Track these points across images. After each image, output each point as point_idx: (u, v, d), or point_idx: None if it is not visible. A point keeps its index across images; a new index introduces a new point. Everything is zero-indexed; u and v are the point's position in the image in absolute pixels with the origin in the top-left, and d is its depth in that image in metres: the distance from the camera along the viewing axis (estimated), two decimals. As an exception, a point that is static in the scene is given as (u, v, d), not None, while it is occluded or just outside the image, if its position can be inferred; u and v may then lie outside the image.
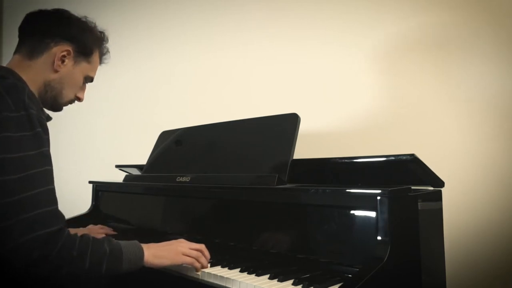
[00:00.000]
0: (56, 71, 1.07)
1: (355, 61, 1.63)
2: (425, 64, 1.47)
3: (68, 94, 1.12)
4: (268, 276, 0.95)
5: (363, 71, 1.61)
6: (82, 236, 0.91)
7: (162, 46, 2.39)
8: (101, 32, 1.18)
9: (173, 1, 2.35)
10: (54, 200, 0.87)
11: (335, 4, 1.70)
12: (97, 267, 0.89)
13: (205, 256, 1.05)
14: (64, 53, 1.07)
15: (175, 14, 2.34)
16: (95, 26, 1.16)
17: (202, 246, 1.07)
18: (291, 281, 0.91)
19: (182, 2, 2.30)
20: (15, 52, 1.08)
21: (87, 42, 1.11)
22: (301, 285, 0.88)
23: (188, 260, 1.02)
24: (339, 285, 0.86)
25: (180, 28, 2.30)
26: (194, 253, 1.04)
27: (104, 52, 1.21)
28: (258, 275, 0.97)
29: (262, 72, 1.92)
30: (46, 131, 0.91)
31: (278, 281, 0.92)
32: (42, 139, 0.89)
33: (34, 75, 1.05)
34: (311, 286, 0.87)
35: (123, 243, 0.97)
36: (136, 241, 1.01)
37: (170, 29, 2.35)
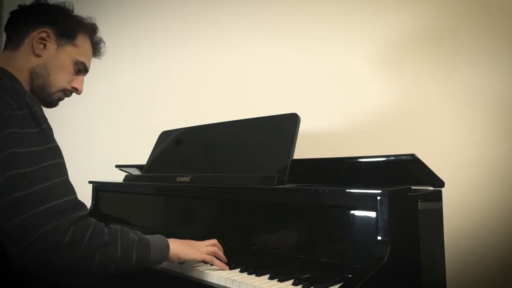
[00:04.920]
0: (38, 56, 1.05)
1: (355, 61, 1.63)
2: (425, 64, 1.47)
3: (57, 81, 1.08)
4: (268, 276, 0.95)
5: (363, 70, 1.61)
6: (109, 226, 0.91)
7: (162, 47, 2.40)
8: (88, 20, 1.16)
9: (172, 2, 2.35)
10: (72, 190, 0.87)
11: (334, 3, 1.70)
12: (128, 255, 0.89)
13: (221, 250, 1.09)
14: (43, 35, 1.05)
15: (174, 15, 2.34)
16: (79, 14, 1.15)
17: (214, 241, 1.10)
18: (291, 281, 0.91)
19: (180, 2, 2.30)
20: (3, 50, 1.08)
21: (67, 24, 1.09)
22: (301, 285, 0.88)
23: (208, 257, 1.04)
24: (339, 285, 0.86)
25: (179, 28, 2.30)
26: (212, 249, 1.06)
27: (97, 42, 1.18)
28: (258, 275, 0.97)
29: (261, 72, 1.92)
30: (50, 128, 0.92)
31: (278, 281, 0.92)
32: (49, 135, 0.89)
33: (20, 65, 1.04)
34: (311, 286, 0.87)
35: (148, 235, 0.98)
36: (159, 234, 1.02)
37: (169, 30, 2.36)
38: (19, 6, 1.12)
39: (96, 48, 1.18)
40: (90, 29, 1.16)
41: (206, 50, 2.16)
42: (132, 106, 2.56)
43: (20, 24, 1.07)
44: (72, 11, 1.14)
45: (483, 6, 1.37)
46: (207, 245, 1.07)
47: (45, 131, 0.88)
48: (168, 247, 0.99)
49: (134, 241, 0.91)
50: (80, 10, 1.17)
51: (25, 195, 0.79)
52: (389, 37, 1.55)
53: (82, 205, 0.87)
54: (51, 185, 0.82)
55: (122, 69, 2.60)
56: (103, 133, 2.73)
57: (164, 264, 1.12)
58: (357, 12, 1.63)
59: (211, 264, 1.06)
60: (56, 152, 0.89)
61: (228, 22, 2.07)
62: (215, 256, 1.06)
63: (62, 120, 2.79)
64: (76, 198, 0.87)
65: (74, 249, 0.80)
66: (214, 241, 1.10)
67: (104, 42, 1.20)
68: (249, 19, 1.99)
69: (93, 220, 0.87)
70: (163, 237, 1.01)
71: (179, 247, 1.02)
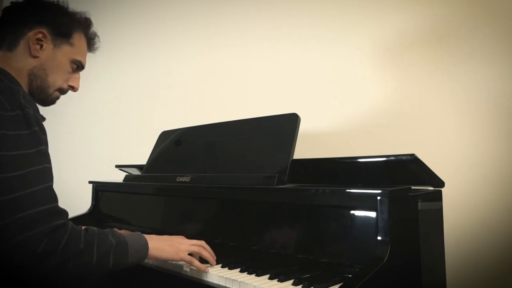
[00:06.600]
0: (35, 57, 1.03)
1: (355, 60, 1.63)
2: (425, 64, 1.47)
3: (54, 81, 1.07)
4: (268, 276, 0.95)
5: (363, 70, 1.61)
6: (87, 229, 0.90)
7: (162, 47, 2.40)
8: (82, 15, 1.14)
9: (172, 2, 2.35)
10: (53, 198, 0.86)
11: (334, 3, 1.70)
12: (105, 260, 0.88)
13: (207, 251, 1.06)
14: (39, 35, 1.03)
15: (174, 15, 2.34)
16: (72, 9, 1.12)
17: (202, 242, 1.08)
18: (291, 281, 0.91)
19: (180, 2, 2.30)
20: None
21: (63, 23, 1.07)
22: (301, 285, 0.88)
23: (187, 258, 1.03)
24: (339, 285, 0.86)
25: (179, 28, 2.30)
26: (195, 248, 1.05)
27: (92, 37, 1.16)
28: (258, 275, 0.97)
29: (261, 72, 1.92)
30: (43, 131, 0.90)
31: (278, 281, 0.92)
32: (39, 138, 0.88)
33: (17, 66, 1.02)
34: (311, 286, 0.87)
35: (127, 235, 0.97)
36: (139, 232, 1.01)
37: (169, 30, 2.36)
38: (12, 2, 1.08)
39: (90, 44, 1.16)
40: (85, 25, 1.14)
41: (206, 50, 2.16)
42: (132, 106, 2.56)
43: (15, 23, 1.05)
44: (67, 8, 1.12)
45: (483, 6, 1.37)
46: (192, 245, 1.05)
47: (36, 134, 0.87)
48: (146, 247, 0.98)
49: (111, 245, 0.91)
50: (79, 10, 1.16)
51: (5, 200, 0.79)
52: (389, 37, 1.55)
53: (61, 212, 0.86)
54: (32, 192, 0.82)
55: (122, 69, 2.60)
56: (103, 133, 2.73)
57: (163, 263, 1.12)
58: (357, 12, 1.63)
59: (210, 264, 1.06)
60: (43, 157, 0.88)
61: (228, 22, 2.07)
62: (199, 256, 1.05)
63: (62, 120, 2.79)
64: (56, 206, 0.86)
65: (47, 259, 0.80)
66: (201, 242, 1.08)
67: (98, 37, 1.18)
68: (249, 19, 1.99)
69: (70, 227, 0.86)
70: (142, 236, 1.00)
71: (157, 247, 1.00)
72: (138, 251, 0.96)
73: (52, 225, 0.82)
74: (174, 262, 1.08)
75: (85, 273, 0.86)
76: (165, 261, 1.05)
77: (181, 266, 1.08)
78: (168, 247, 1.02)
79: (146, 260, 1.02)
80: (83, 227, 0.91)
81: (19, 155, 0.83)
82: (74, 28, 1.10)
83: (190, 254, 1.04)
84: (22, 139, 0.84)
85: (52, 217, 0.83)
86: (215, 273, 1.01)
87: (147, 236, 1.01)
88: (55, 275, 0.83)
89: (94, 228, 0.93)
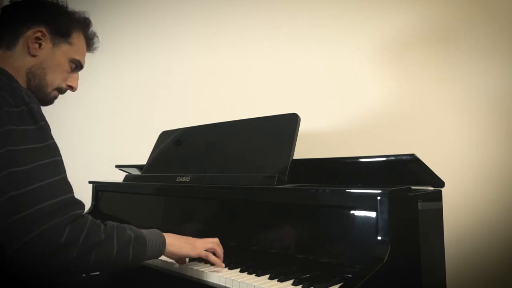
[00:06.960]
0: (34, 56, 1.03)
1: (356, 60, 1.63)
2: (425, 64, 1.47)
3: (53, 80, 1.07)
4: (268, 276, 0.95)
5: (363, 70, 1.61)
6: (105, 222, 0.91)
7: (162, 47, 2.40)
8: (81, 14, 1.14)
9: (172, 2, 2.35)
10: (69, 188, 0.87)
11: (334, 3, 1.70)
12: (125, 253, 0.89)
13: (220, 248, 1.08)
14: (38, 34, 1.03)
15: (174, 15, 2.34)
16: (71, 9, 1.12)
17: (216, 240, 1.09)
18: (291, 281, 0.91)
19: (180, 2, 2.30)
20: None
21: (62, 22, 1.07)
22: (301, 285, 0.88)
23: (204, 253, 1.04)
24: (339, 285, 0.86)
25: (179, 28, 2.30)
26: (211, 245, 1.06)
27: (91, 37, 1.16)
28: (258, 275, 0.97)
29: (261, 72, 1.92)
30: (48, 126, 0.91)
31: (278, 281, 0.92)
32: (47, 132, 0.88)
33: (16, 65, 1.02)
34: (311, 286, 0.87)
35: (144, 230, 0.98)
36: (156, 229, 1.02)
37: (169, 30, 2.36)
38: (11, 1, 1.08)
39: (89, 43, 1.16)
40: (84, 25, 1.14)
41: (206, 50, 2.16)
42: (132, 106, 2.56)
43: (14, 22, 1.04)
44: (66, 7, 1.12)
45: (483, 6, 1.37)
46: (207, 243, 1.07)
47: (43, 129, 0.87)
48: (164, 242, 1.00)
49: (130, 238, 0.91)
50: (78, 10, 1.16)
51: (22, 193, 0.79)
52: (389, 37, 1.55)
53: (79, 203, 0.87)
54: (48, 184, 0.82)
55: (122, 69, 2.60)
56: (103, 133, 2.73)
57: (163, 264, 1.12)
58: (357, 12, 1.63)
59: (210, 264, 1.06)
60: (53, 150, 0.88)
61: (228, 22, 2.07)
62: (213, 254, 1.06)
63: (62, 120, 2.79)
64: (73, 196, 0.86)
65: (70, 249, 0.80)
66: (216, 240, 1.09)
67: (97, 37, 1.18)
68: (249, 19, 1.99)
69: (90, 218, 0.87)
70: (159, 232, 1.01)
71: (174, 243, 1.02)
72: (156, 246, 0.97)
73: (72, 214, 0.82)
74: (196, 261, 1.10)
75: (107, 265, 0.87)
76: (181, 257, 1.06)
77: (182, 267, 1.08)
78: (184, 244, 1.04)
79: (159, 258, 1.03)
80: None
81: (29, 149, 0.83)
82: (73, 28, 1.10)
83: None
84: (30, 135, 0.85)
85: (70, 207, 0.83)
86: (215, 273, 1.01)
87: (164, 233, 1.02)
88: (77, 266, 0.82)
89: (112, 222, 0.93)
